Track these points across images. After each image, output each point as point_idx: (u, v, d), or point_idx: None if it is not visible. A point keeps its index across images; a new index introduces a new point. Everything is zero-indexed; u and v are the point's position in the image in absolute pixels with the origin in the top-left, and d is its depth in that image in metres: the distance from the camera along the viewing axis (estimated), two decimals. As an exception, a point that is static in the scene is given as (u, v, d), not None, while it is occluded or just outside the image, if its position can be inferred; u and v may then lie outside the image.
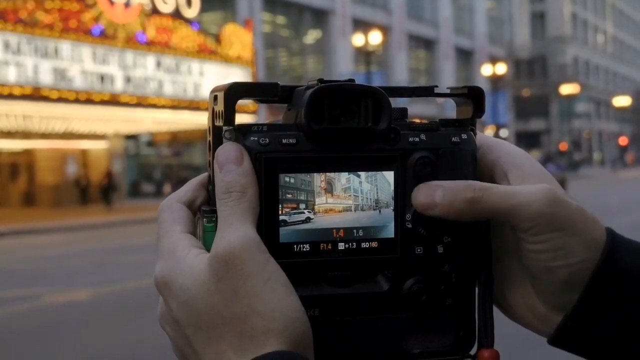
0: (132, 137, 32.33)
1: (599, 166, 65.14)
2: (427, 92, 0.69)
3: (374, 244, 0.65)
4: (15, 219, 22.22)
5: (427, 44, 46.73)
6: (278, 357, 0.56)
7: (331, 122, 0.63)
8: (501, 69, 41.32)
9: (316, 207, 0.63)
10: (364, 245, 0.64)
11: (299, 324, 0.58)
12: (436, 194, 0.63)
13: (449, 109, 39.24)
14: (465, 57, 50.90)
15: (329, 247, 0.64)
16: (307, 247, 0.63)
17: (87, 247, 15.77)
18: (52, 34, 20.80)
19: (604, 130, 79.11)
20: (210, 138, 0.64)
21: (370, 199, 0.64)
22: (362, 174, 0.64)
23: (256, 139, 0.62)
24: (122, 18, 23.01)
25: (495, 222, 0.67)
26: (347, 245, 0.64)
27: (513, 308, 0.68)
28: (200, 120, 25.53)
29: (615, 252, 0.63)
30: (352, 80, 0.65)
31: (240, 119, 0.63)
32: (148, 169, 34.29)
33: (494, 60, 45.35)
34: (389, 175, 0.65)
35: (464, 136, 0.67)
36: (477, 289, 0.68)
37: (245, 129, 0.63)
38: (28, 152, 29.06)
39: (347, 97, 0.64)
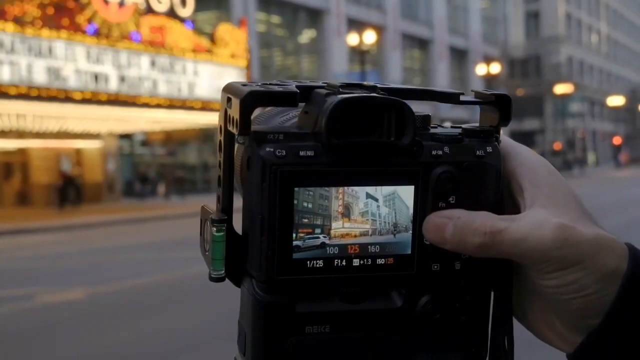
0: (126, 137, 32.26)
1: (594, 166, 65.19)
2: (452, 99, 0.66)
3: (390, 260, 0.62)
4: (9, 219, 22.14)
5: (422, 44, 46.75)
6: None
7: (352, 135, 0.60)
8: (495, 68, 41.37)
9: (332, 231, 0.60)
10: (380, 261, 0.62)
11: None
12: (446, 230, 0.61)
13: (445, 109, 39.27)
14: (460, 56, 50.94)
15: (343, 263, 0.61)
16: (320, 263, 0.60)
17: (81, 247, 15.72)
18: (46, 33, 20.74)
19: (598, 129, 79.21)
20: (221, 138, 0.60)
21: (389, 222, 0.62)
22: (380, 198, 0.61)
23: (272, 149, 0.58)
24: (116, 17, 22.94)
25: None
26: (362, 262, 0.62)
27: (532, 324, 0.67)
28: (194, 119, 25.49)
29: (639, 274, 0.61)
30: (374, 88, 0.62)
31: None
32: (142, 169, 34.22)
33: (488, 59, 45.38)
34: (409, 191, 0.62)
35: (489, 149, 0.64)
36: (491, 305, 0.67)
37: (261, 137, 0.59)
38: (22, 152, 28.95)
39: (371, 109, 0.60)
